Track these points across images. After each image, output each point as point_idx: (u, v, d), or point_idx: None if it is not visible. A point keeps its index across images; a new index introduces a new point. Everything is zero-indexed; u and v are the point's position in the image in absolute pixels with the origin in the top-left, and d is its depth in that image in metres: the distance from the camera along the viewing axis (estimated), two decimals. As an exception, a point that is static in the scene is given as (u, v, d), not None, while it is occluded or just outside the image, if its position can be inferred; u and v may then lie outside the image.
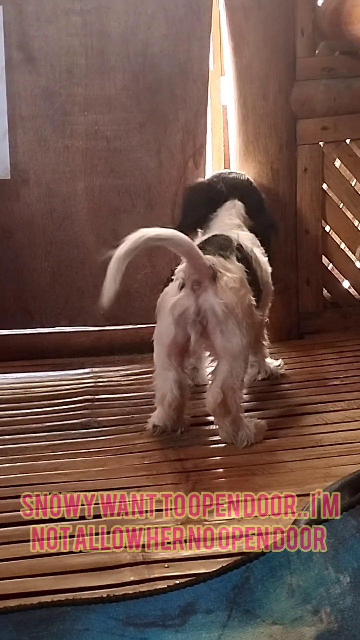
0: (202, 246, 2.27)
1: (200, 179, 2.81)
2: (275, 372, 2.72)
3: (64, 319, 3.08)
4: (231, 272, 2.20)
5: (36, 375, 2.86)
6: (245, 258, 2.32)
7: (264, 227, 2.65)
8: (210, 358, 2.40)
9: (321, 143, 3.08)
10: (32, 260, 3.02)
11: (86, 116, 2.93)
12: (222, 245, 2.29)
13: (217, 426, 2.25)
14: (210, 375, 2.27)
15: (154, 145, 2.98)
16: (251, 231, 2.60)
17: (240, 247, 2.34)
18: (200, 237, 2.51)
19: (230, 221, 2.58)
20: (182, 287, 2.18)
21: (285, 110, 3.01)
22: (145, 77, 2.93)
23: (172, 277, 2.24)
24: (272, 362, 2.75)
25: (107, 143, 2.97)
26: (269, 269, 2.56)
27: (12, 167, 2.93)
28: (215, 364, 2.24)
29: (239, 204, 2.63)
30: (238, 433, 2.21)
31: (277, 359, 2.78)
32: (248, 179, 2.75)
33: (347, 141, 3.11)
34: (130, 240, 2.05)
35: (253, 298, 2.26)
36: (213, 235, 2.41)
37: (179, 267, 2.23)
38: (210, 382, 2.24)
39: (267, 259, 2.57)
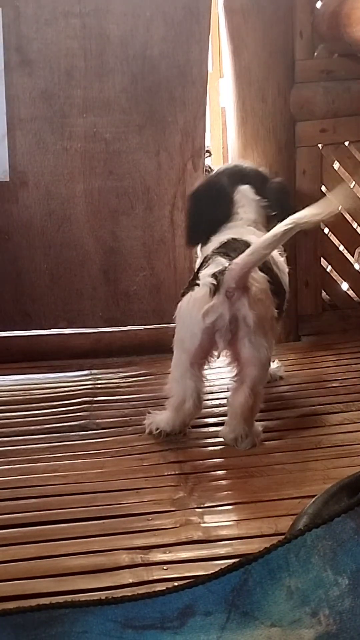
0: (225, 251, 2.22)
1: (199, 184, 2.73)
2: (275, 375, 2.72)
3: (62, 321, 3.09)
4: (258, 282, 2.17)
5: (35, 377, 2.86)
6: (267, 266, 2.26)
7: (276, 197, 2.56)
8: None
9: (320, 145, 3.08)
10: (31, 262, 3.02)
11: (85, 118, 2.94)
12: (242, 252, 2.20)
13: (229, 427, 2.23)
14: (235, 379, 2.23)
15: (153, 147, 2.98)
16: (268, 209, 2.53)
17: None
18: (217, 238, 2.40)
19: (245, 215, 2.50)
20: (214, 293, 2.13)
21: (284, 112, 3.01)
22: (144, 79, 2.93)
23: (197, 281, 2.18)
24: (271, 365, 2.74)
25: (105, 145, 2.97)
26: (286, 269, 2.50)
27: (11, 169, 2.93)
28: (236, 370, 2.21)
29: (245, 188, 2.53)
30: (247, 438, 2.20)
31: (274, 361, 2.77)
32: (240, 164, 2.68)
33: (346, 143, 3.11)
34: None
35: (276, 311, 2.23)
36: (232, 239, 2.32)
37: (205, 272, 2.18)
38: (236, 385, 2.21)
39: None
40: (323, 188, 3.11)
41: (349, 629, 1.22)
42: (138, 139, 2.98)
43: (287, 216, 2.38)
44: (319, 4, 2.97)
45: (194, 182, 2.99)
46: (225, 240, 2.34)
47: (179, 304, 2.23)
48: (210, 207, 2.53)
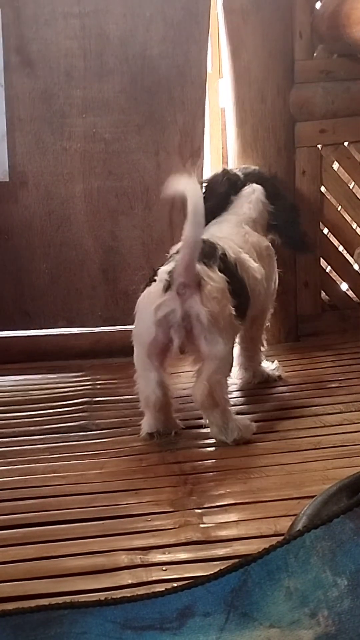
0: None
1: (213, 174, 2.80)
2: (273, 375, 2.72)
3: (62, 321, 3.09)
4: (214, 281, 2.21)
5: (34, 378, 2.86)
6: (228, 268, 2.30)
7: (285, 211, 2.67)
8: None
9: (319, 146, 3.08)
10: (31, 262, 3.02)
11: (84, 118, 2.94)
12: (206, 254, 2.25)
13: (208, 421, 2.27)
14: (195, 374, 2.27)
15: (152, 147, 2.98)
16: (272, 216, 2.64)
17: (223, 257, 2.31)
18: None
19: (243, 212, 2.61)
20: (167, 288, 2.18)
21: (284, 113, 3.01)
22: (143, 79, 2.93)
23: (155, 277, 2.23)
24: (268, 366, 2.75)
25: (105, 145, 2.97)
26: (260, 275, 2.50)
27: (11, 169, 2.93)
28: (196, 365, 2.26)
29: (258, 187, 2.66)
30: (228, 425, 2.23)
31: (273, 362, 2.77)
32: (262, 171, 2.81)
33: (346, 144, 3.11)
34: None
35: (233, 309, 2.24)
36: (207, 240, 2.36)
37: (163, 268, 2.23)
38: (195, 378, 2.25)
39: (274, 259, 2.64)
40: (322, 188, 3.11)
41: (348, 629, 1.21)
42: (137, 139, 2.98)
43: (293, 236, 2.63)
44: (318, 5, 2.97)
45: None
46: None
47: (138, 299, 2.29)
48: (213, 194, 2.62)
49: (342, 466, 2.01)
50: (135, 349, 2.28)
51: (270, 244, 2.65)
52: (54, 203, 2.98)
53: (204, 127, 3.08)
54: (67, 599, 1.37)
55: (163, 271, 2.22)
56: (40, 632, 1.25)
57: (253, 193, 2.65)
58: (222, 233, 2.47)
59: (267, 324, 2.71)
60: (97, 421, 2.43)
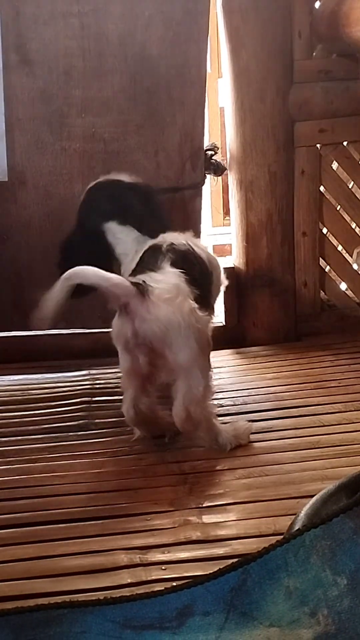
0: (135, 268, 2.18)
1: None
2: None
3: (61, 322, 3.07)
4: (162, 282, 2.06)
5: (33, 378, 2.86)
6: (180, 256, 2.17)
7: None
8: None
9: (319, 145, 3.08)
10: (30, 262, 3.01)
11: (83, 118, 2.93)
12: (152, 259, 2.15)
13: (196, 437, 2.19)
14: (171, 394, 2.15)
15: (152, 147, 2.98)
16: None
17: (171, 247, 2.19)
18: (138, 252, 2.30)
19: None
20: (120, 314, 2.09)
21: (283, 112, 3.01)
22: (142, 79, 2.93)
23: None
24: None
25: (104, 145, 2.96)
26: (207, 248, 2.41)
27: (10, 169, 2.92)
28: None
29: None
30: (217, 439, 2.16)
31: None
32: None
33: (345, 143, 3.12)
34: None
35: (192, 302, 2.08)
36: (145, 252, 2.25)
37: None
38: (173, 400, 2.12)
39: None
40: (322, 188, 3.11)
41: (348, 629, 1.22)
42: (137, 139, 2.97)
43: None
44: (317, 4, 2.97)
45: (193, 182, 3.00)
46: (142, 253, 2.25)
47: None
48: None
49: (341, 465, 2.02)
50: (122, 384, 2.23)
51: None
52: (53, 203, 2.98)
53: (203, 126, 3.07)
54: (66, 598, 1.37)
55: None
56: (40, 631, 1.25)
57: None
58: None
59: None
60: (95, 421, 2.43)
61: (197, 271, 2.20)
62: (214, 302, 2.37)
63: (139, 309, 2.04)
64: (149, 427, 2.24)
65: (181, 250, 2.20)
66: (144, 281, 2.06)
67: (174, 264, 2.14)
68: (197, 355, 2.09)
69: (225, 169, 3.12)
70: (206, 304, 2.20)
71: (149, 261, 2.16)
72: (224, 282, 2.45)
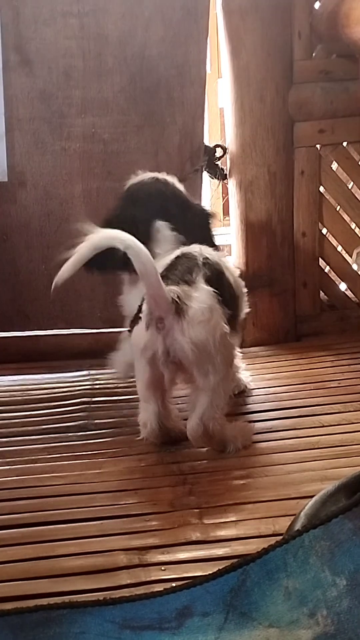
0: (165, 274, 2.08)
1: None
2: (240, 385, 2.57)
3: (61, 322, 3.08)
4: (198, 301, 2.03)
5: (33, 378, 2.86)
6: (214, 273, 2.13)
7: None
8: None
9: (318, 146, 3.08)
10: (29, 263, 3.02)
11: (83, 119, 2.94)
12: (186, 269, 2.09)
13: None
14: (188, 403, 2.18)
15: (151, 147, 2.98)
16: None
17: (206, 262, 2.14)
18: (165, 256, 2.25)
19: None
20: (148, 326, 2.04)
21: (283, 113, 3.01)
22: (142, 79, 2.93)
23: (140, 314, 2.09)
24: (244, 376, 2.62)
25: (104, 146, 2.97)
26: (237, 272, 2.40)
27: (9, 169, 2.93)
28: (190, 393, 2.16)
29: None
30: (226, 448, 2.16)
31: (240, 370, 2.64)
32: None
33: (344, 144, 3.11)
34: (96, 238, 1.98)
35: (226, 325, 2.08)
36: (176, 258, 2.17)
37: (144, 298, 2.07)
38: (190, 412, 2.14)
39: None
40: (321, 188, 3.12)
41: (347, 629, 1.22)
42: (136, 139, 2.97)
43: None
44: (317, 5, 2.97)
45: (193, 182, 3.00)
46: (173, 260, 2.17)
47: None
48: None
49: (341, 466, 2.02)
50: (137, 382, 2.21)
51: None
52: (52, 203, 2.98)
53: (203, 127, 3.08)
54: (65, 599, 1.37)
55: (144, 306, 2.07)
56: (39, 632, 1.26)
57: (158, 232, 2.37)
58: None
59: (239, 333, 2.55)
60: (95, 421, 2.43)
61: (228, 293, 2.17)
62: (240, 325, 2.36)
63: (174, 327, 2.02)
64: (163, 437, 2.22)
65: (215, 269, 2.15)
66: (180, 298, 2.02)
67: (208, 282, 2.09)
68: (223, 378, 2.10)
69: (225, 177, 3.11)
70: (234, 326, 2.19)
71: (183, 271, 2.10)
72: (245, 309, 2.45)
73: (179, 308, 2.01)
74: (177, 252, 2.20)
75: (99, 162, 2.97)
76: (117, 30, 2.89)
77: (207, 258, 2.15)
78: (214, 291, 2.07)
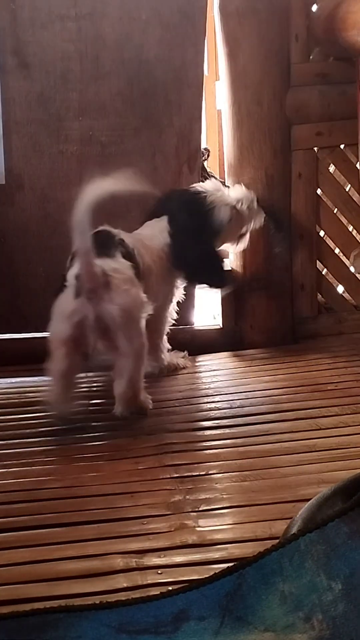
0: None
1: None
2: (174, 364, 2.86)
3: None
4: (120, 272, 2.29)
5: (30, 380, 2.85)
6: (129, 253, 2.40)
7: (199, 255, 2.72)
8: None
9: (315, 148, 3.09)
10: (27, 265, 3.02)
11: (81, 121, 2.94)
12: (103, 244, 2.32)
13: (118, 410, 2.40)
14: (114, 369, 2.39)
15: (149, 150, 2.99)
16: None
17: (122, 242, 2.41)
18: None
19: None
20: (77, 294, 2.26)
21: (280, 115, 3.02)
22: (139, 82, 2.94)
23: (65, 282, 2.30)
24: (172, 356, 2.87)
25: (101, 148, 2.97)
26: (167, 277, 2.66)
27: (7, 172, 2.93)
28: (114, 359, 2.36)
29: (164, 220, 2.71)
30: (143, 411, 2.44)
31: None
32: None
33: (342, 147, 3.12)
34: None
35: (143, 295, 2.34)
36: (95, 232, 2.37)
37: (71, 272, 2.29)
38: (115, 375, 2.38)
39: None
40: (319, 191, 3.12)
41: (342, 634, 1.22)
42: (134, 142, 2.98)
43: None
44: (314, 8, 2.98)
45: (190, 184, 3.00)
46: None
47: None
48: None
49: (338, 469, 2.02)
50: (51, 347, 2.39)
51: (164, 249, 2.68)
52: (50, 206, 2.98)
53: (200, 129, 3.09)
54: (62, 602, 1.37)
55: (71, 276, 2.28)
56: (35, 636, 1.26)
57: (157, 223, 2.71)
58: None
59: (166, 326, 2.80)
60: (93, 424, 2.43)
61: (138, 270, 2.42)
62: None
63: (104, 297, 2.25)
64: (66, 399, 2.42)
65: (129, 247, 2.43)
66: (106, 270, 2.25)
67: (124, 256, 2.36)
68: (145, 343, 2.36)
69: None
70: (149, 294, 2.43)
71: (102, 245, 2.31)
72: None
73: (106, 280, 2.25)
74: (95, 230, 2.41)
75: (97, 165, 2.97)
76: (114, 33, 2.89)
77: (122, 239, 2.43)
78: (130, 264, 2.35)
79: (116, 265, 2.30)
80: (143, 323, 2.35)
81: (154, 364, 2.77)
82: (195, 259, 2.69)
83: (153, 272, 2.57)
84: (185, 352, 2.94)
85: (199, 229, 2.71)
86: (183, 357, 2.91)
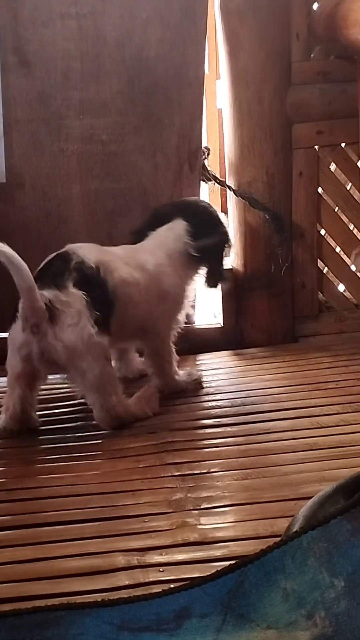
0: (37, 276, 2.25)
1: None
2: (189, 387, 2.64)
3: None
4: (67, 305, 2.22)
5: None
6: (86, 275, 2.28)
7: (214, 244, 2.62)
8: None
9: (316, 147, 3.09)
10: (28, 263, 3.00)
11: (81, 120, 2.94)
12: (56, 272, 2.26)
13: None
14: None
15: (150, 149, 2.98)
16: (199, 253, 2.58)
17: (79, 265, 2.29)
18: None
19: (153, 242, 2.60)
20: (24, 329, 2.23)
21: (281, 114, 3.02)
22: (140, 81, 2.93)
23: (17, 312, 2.26)
24: (186, 377, 2.67)
25: (102, 147, 2.97)
26: (169, 289, 2.54)
27: (8, 170, 2.93)
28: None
29: (181, 223, 2.61)
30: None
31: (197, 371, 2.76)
32: (199, 200, 2.81)
33: (342, 145, 3.12)
34: None
35: (92, 328, 2.23)
36: (51, 259, 2.35)
37: (20, 303, 2.24)
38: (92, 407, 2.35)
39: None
40: (319, 190, 3.12)
41: (345, 631, 1.21)
42: (135, 140, 2.98)
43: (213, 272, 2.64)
44: (315, 6, 2.98)
45: (191, 183, 3.00)
46: (46, 261, 2.36)
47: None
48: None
49: (339, 467, 2.01)
50: (8, 371, 2.36)
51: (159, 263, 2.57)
52: (50, 205, 2.98)
53: (201, 128, 3.08)
54: (63, 600, 1.37)
55: (20, 306, 2.24)
56: (37, 633, 1.25)
57: (172, 228, 2.60)
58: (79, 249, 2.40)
59: (171, 338, 2.62)
60: (94, 422, 2.43)
61: (98, 292, 2.30)
62: (119, 321, 2.43)
63: (47, 332, 2.21)
64: (20, 425, 2.36)
65: (87, 273, 2.30)
66: (52, 303, 2.20)
67: (77, 285, 2.25)
68: (99, 374, 2.28)
69: (216, 179, 3.12)
70: (105, 325, 2.31)
71: (54, 274, 2.26)
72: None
73: (51, 313, 2.20)
74: (53, 254, 2.37)
75: (97, 164, 2.97)
76: (115, 31, 2.89)
77: (80, 262, 2.30)
78: (82, 294, 2.24)
79: (64, 298, 2.22)
80: (99, 352, 2.27)
81: (161, 383, 2.59)
82: (217, 250, 2.65)
83: (131, 288, 2.44)
84: (200, 373, 2.73)
85: (215, 223, 2.67)
86: (197, 379, 2.68)
